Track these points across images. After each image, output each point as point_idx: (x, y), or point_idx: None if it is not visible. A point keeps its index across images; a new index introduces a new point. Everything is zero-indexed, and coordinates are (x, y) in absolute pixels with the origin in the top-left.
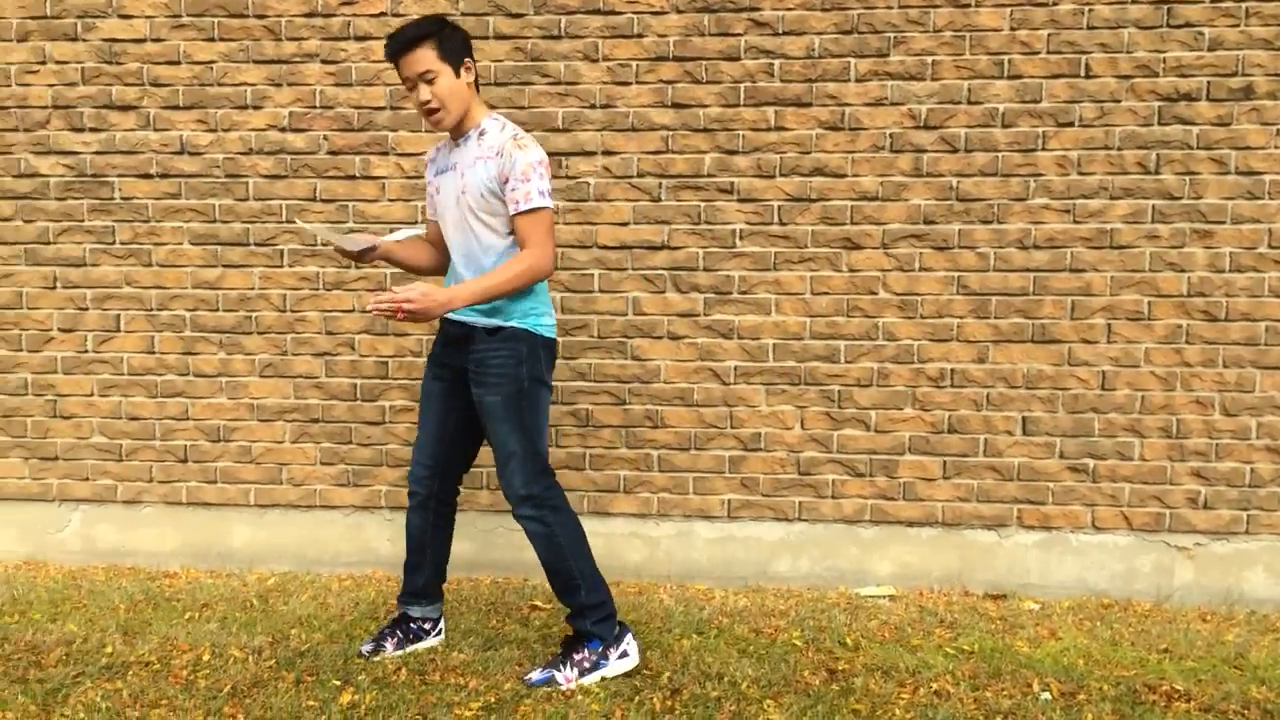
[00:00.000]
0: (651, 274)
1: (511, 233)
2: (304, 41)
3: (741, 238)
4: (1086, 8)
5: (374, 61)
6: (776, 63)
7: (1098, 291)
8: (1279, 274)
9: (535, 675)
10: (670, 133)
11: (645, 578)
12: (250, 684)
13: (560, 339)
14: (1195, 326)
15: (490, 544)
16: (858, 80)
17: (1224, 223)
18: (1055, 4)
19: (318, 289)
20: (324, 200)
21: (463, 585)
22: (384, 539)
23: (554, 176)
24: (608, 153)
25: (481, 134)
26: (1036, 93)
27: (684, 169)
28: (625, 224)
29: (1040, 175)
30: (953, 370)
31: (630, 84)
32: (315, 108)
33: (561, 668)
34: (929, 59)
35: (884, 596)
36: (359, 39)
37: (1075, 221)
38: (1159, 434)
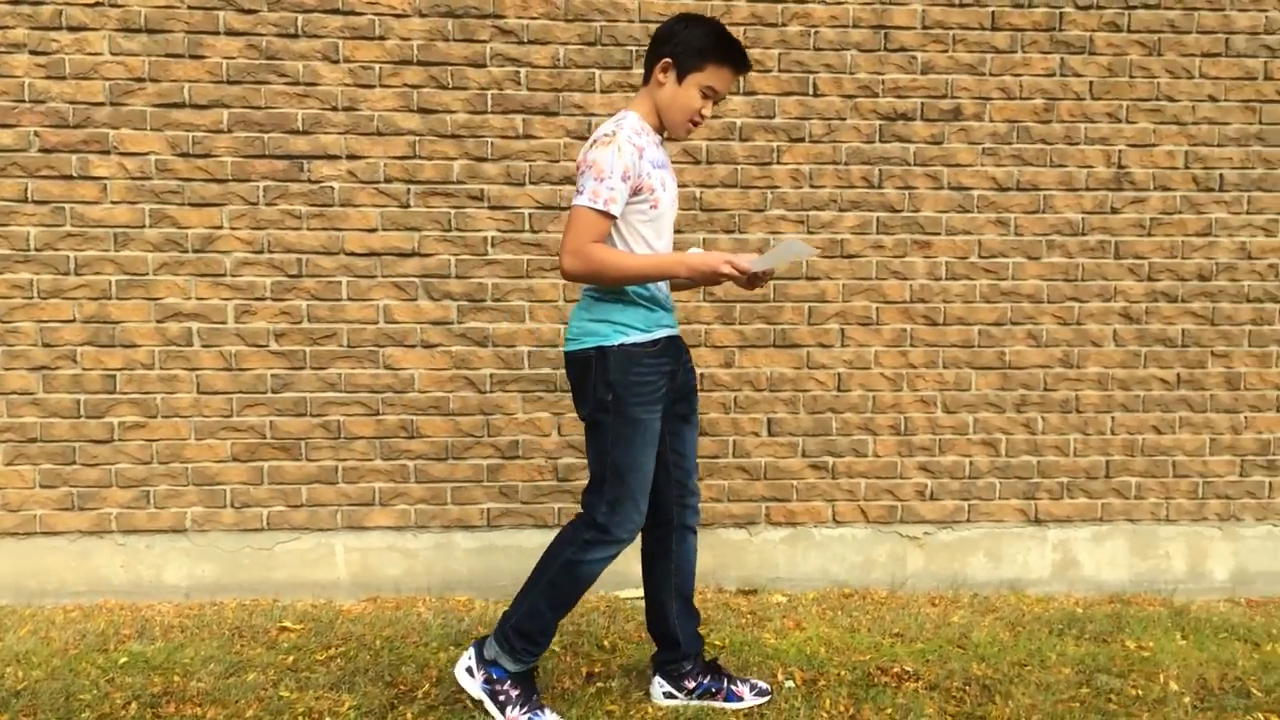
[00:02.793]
0: (402, 281)
1: None
2: (9, 30)
3: (493, 245)
4: (812, 30)
5: (90, 54)
6: (523, 71)
7: (831, 298)
8: (988, 282)
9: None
10: (418, 138)
11: (404, 591)
12: None
13: (308, 349)
14: (918, 330)
15: (236, 565)
16: (603, 91)
17: (940, 234)
18: (785, 24)
19: (32, 297)
20: (36, 201)
21: (205, 610)
22: (116, 565)
23: (295, 180)
24: (352, 157)
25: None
26: (770, 109)
27: (433, 175)
28: (373, 230)
29: (776, 188)
30: (703, 374)
31: (374, 87)
32: (24, 101)
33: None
34: None
35: (642, 598)
36: (73, 29)
37: (810, 232)
38: (889, 431)
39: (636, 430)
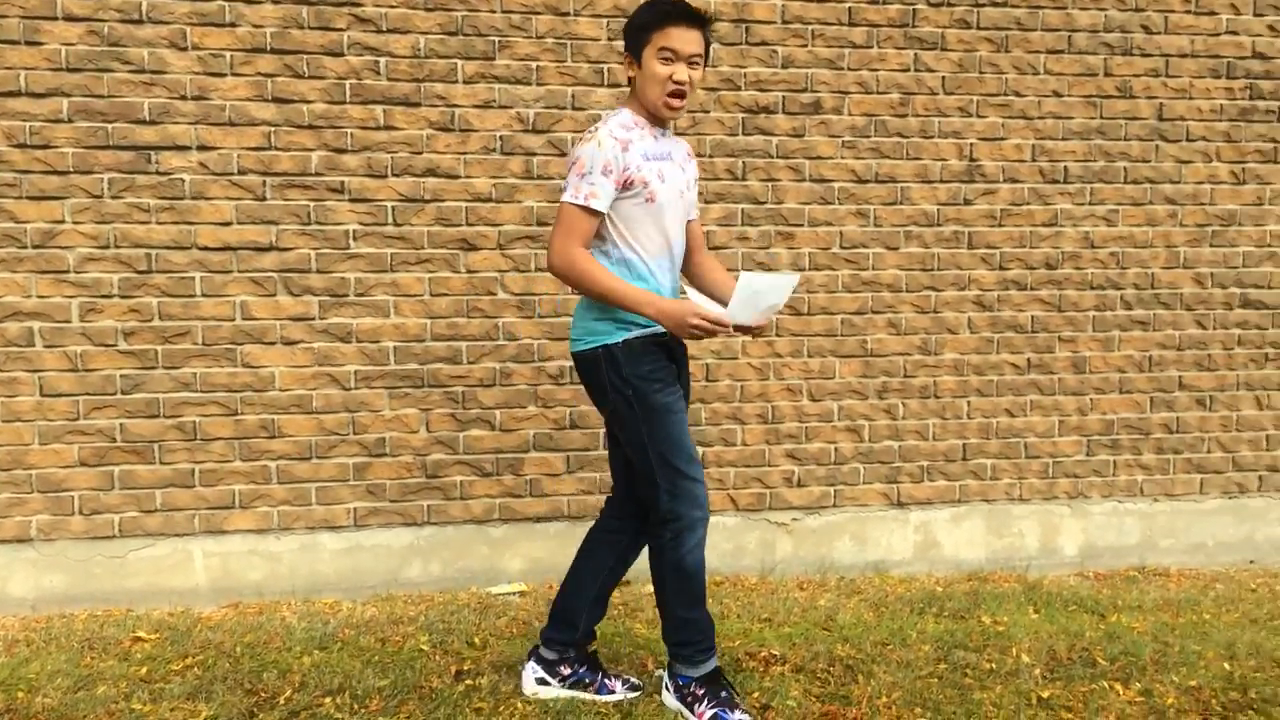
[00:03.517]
0: (260, 276)
1: None
2: None
3: (355, 239)
4: None
5: None
6: (382, 60)
7: None
8: (850, 272)
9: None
10: (273, 128)
11: (268, 596)
12: None
13: (160, 347)
14: (784, 320)
15: (87, 574)
16: (466, 82)
17: (803, 225)
18: None
19: None
20: None
21: (53, 623)
22: None
23: (142, 172)
24: (203, 148)
25: (674, 133)
26: None
27: (290, 166)
28: (228, 224)
29: None
30: (571, 368)
31: (225, 75)
32: None
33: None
34: (534, 64)
35: (514, 593)
36: None
37: None
38: (757, 420)
39: (666, 415)
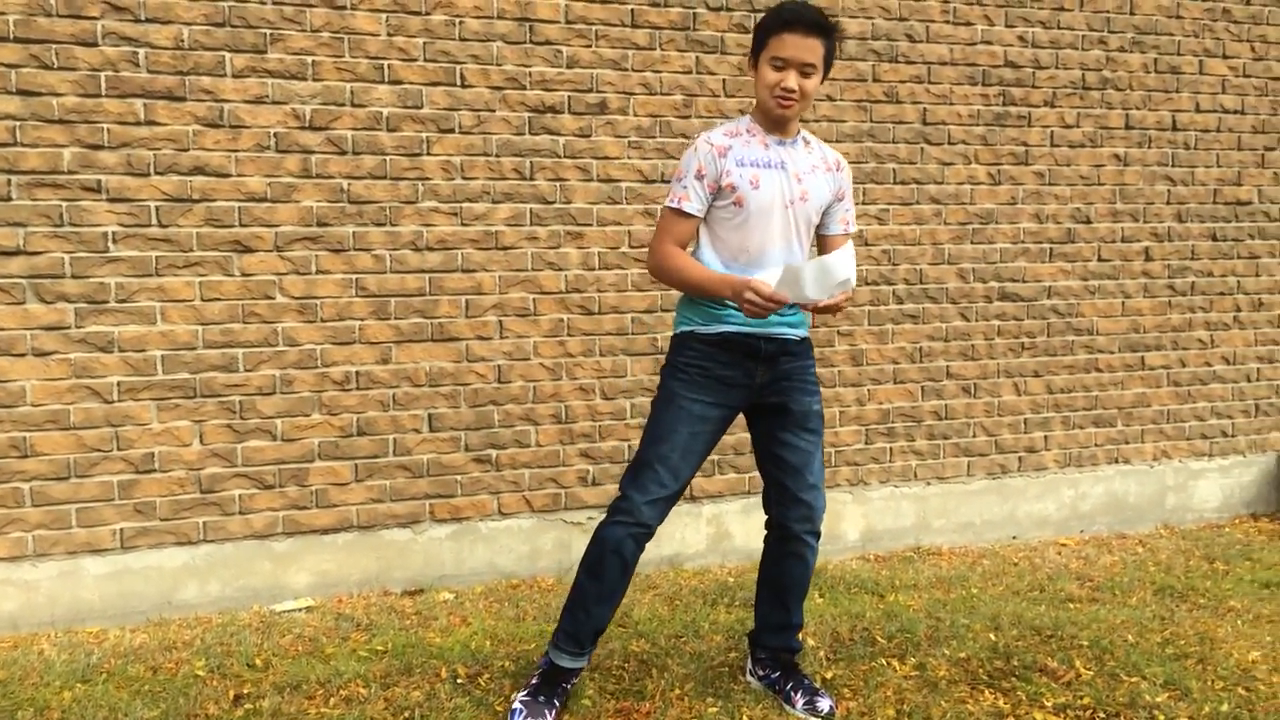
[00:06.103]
0: (6, 283)
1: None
2: None
3: (115, 241)
4: (458, 19)
5: None
6: (142, 51)
7: (488, 290)
8: (639, 270)
9: None
10: (18, 123)
11: (23, 628)
12: None
13: None
14: (575, 320)
15: None
16: (235, 76)
17: (591, 225)
18: (429, 13)
19: None
20: None
21: None
22: None
23: None
24: None
25: (807, 143)
26: (418, 99)
27: (39, 164)
28: None
29: (428, 179)
30: (358, 372)
31: None
32: None
33: None
34: (309, 59)
35: (300, 609)
36: None
37: (463, 224)
38: (551, 420)
39: (669, 402)
